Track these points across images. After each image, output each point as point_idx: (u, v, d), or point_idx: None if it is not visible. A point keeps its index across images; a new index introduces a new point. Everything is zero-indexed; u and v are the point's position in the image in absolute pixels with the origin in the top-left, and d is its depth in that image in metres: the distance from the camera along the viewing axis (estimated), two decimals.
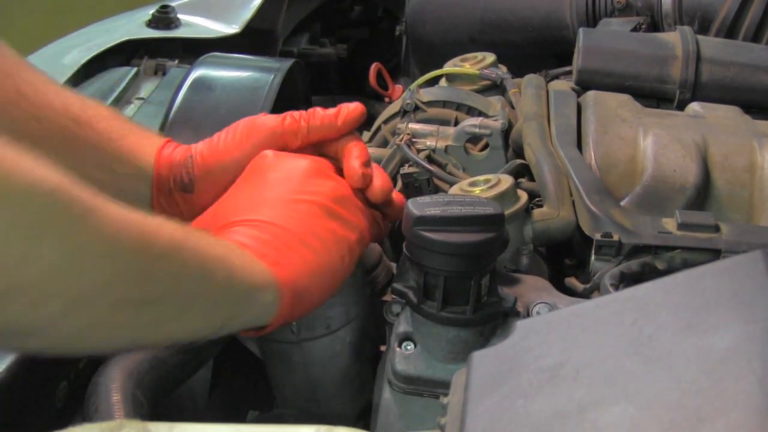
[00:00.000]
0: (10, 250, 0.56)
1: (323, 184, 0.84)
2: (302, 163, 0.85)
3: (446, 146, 1.10)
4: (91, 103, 0.90)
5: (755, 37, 1.32)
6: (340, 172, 0.88)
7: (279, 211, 0.80)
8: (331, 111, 0.89)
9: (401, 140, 1.10)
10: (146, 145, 0.90)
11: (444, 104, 1.19)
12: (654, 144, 1.02)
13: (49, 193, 0.58)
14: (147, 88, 1.41)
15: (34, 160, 0.58)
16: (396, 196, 0.92)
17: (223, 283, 0.73)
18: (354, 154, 0.88)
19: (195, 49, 1.44)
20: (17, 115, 0.85)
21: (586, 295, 0.91)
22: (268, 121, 0.89)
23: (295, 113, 0.89)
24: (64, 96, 0.88)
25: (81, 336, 0.65)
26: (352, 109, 0.89)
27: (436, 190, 1.06)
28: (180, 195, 0.89)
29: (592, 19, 1.51)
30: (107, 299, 0.63)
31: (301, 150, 0.89)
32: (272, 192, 0.82)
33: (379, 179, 0.89)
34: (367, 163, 0.88)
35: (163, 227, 0.68)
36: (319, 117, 0.89)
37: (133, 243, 0.64)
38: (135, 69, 1.45)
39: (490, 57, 1.28)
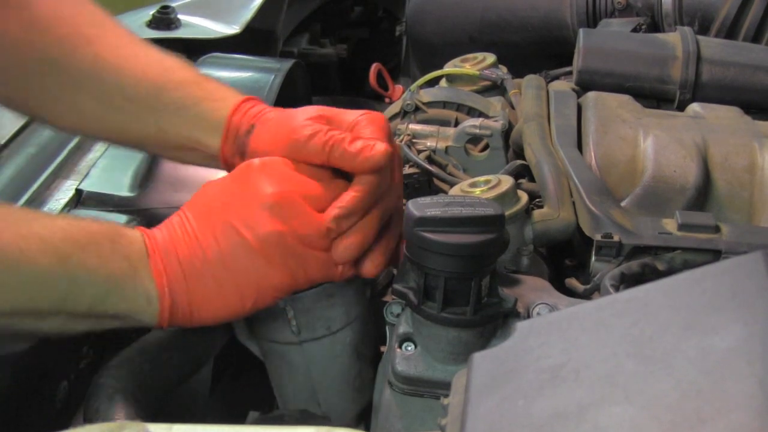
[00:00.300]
0: None
1: (284, 224, 0.79)
2: (269, 191, 0.80)
3: (446, 147, 1.10)
4: (169, 65, 0.93)
5: (755, 38, 1.32)
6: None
7: (220, 230, 0.80)
8: (357, 146, 0.83)
9: (402, 141, 1.10)
10: (219, 108, 0.90)
11: (444, 105, 1.19)
12: (654, 144, 1.02)
13: None
14: None
15: None
16: (376, 259, 0.85)
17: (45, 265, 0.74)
18: (340, 201, 0.82)
19: (195, 50, 1.44)
20: (100, 85, 0.91)
21: (586, 295, 0.91)
22: (305, 129, 0.84)
23: (322, 133, 0.84)
24: (145, 59, 0.92)
25: None
26: (373, 152, 0.83)
27: (437, 190, 1.06)
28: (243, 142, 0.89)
29: (592, 20, 1.51)
30: None
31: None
32: (225, 198, 0.81)
33: (354, 239, 0.82)
34: (345, 215, 0.81)
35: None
36: (341, 147, 0.83)
37: None
38: None
39: (491, 57, 1.28)
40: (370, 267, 0.85)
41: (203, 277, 0.79)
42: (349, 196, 0.82)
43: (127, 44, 0.93)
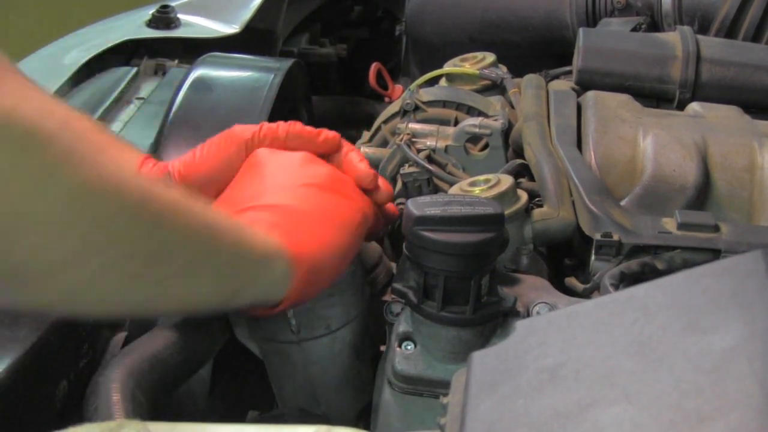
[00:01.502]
0: (18, 187, 0.57)
1: (321, 169, 0.86)
2: (295, 154, 0.86)
3: (446, 146, 1.10)
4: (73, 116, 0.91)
5: (755, 37, 1.32)
6: None
7: (283, 195, 0.82)
8: (311, 128, 0.90)
9: (401, 140, 1.10)
10: (125, 159, 0.90)
11: (444, 104, 1.19)
12: (654, 144, 1.02)
13: (49, 135, 0.59)
14: (147, 88, 1.41)
15: (41, 98, 0.59)
16: (390, 206, 0.93)
17: (231, 248, 0.73)
18: (357, 159, 0.89)
19: (195, 49, 1.44)
20: None
21: (586, 295, 0.91)
22: (245, 130, 0.89)
23: (273, 124, 0.90)
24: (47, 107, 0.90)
25: (89, 289, 0.65)
26: (332, 134, 0.90)
27: (436, 189, 1.06)
28: None
29: (592, 19, 1.51)
30: (114, 250, 0.64)
31: None
32: (273, 180, 0.83)
33: (383, 183, 0.90)
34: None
35: (170, 190, 0.69)
36: (298, 127, 0.90)
37: (139, 196, 0.65)
38: (135, 69, 1.45)
39: (490, 57, 1.28)
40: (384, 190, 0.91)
41: (325, 259, 0.80)
42: (357, 155, 0.90)
43: None
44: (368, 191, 0.89)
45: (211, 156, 0.87)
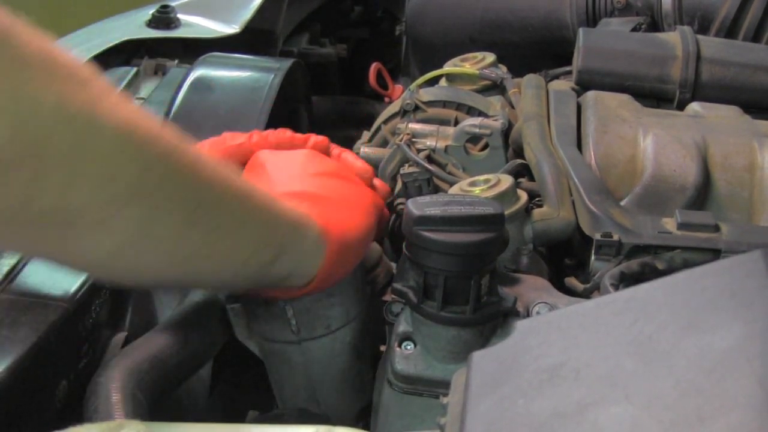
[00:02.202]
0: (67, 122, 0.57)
1: (327, 161, 0.89)
2: (298, 151, 0.89)
3: (446, 146, 1.10)
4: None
5: (755, 37, 1.32)
6: None
7: (298, 183, 0.84)
8: (300, 134, 0.93)
9: (401, 140, 1.10)
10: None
11: (444, 104, 1.19)
12: (654, 144, 1.02)
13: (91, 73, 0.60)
14: (147, 88, 1.41)
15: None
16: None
17: (268, 208, 0.74)
18: (352, 158, 0.93)
19: (195, 49, 1.44)
20: None
21: (586, 295, 0.91)
22: (236, 137, 0.91)
23: (263, 132, 0.92)
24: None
25: (137, 241, 0.65)
26: (320, 138, 0.93)
27: (436, 189, 1.06)
28: None
29: (592, 19, 1.51)
30: (161, 194, 0.64)
31: None
32: (281, 174, 0.85)
33: (380, 182, 0.94)
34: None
35: (204, 156, 0.69)
36: (288, 134, 0.92)
37: (178, 143, 0.65)
38: (135, 69, 1.45)
39: (490, 57, 1.28)
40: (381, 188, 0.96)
41: (350, 248, 0.82)
42: (351, 155, 0.94)
43: None
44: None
45: None
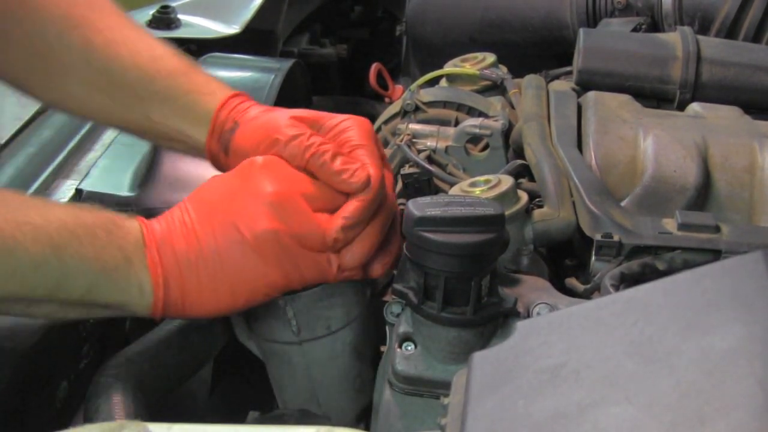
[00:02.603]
0: None
1: (282, 217, 0.80)
2: (269, 189, 0.80)
3: (446, 147, 1.10)
4: (160, 53, 0.93)
5: (755, 37, 1.32)
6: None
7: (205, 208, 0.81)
8: (337, 164, 0.83)
9: (401, 141, 1.10)
10: (207, 102, 0.91)
11: (444, 104, 1.19)
12: (654, 144, 1.02)
13: None
14: None
15: None
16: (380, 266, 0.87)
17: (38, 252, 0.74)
18: (344, 211, 0.82)
19: (195, 50, 1.44)
20: (87, 68, 0.91)
21: (586, 295, 0.91)
22: (287, 129, 0.85)
23: (304, 137, 0.84)
24: (135, 46, 0.92)
25: None
26: (353, 179, 0.82)
27: (437, 190, 1.06)
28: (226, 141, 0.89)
29: (592, 20, 1.51)
30: None
31: None
32: (225, 194, 0.82)
33: (361, 248, 0.83)
34: (351, 226, 0.82)
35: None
36: (320, 161, 0.83)
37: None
38: None
39: (491, 57, 1.28)
40: (378, 269, 0.87)
41: (198, 270, 0.79)
42: (353, 206, 0.82)
43: (119, 29, 0.93)
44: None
45: (264, 123, 0.88)
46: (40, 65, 0.93)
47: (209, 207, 0.81)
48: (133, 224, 0.80)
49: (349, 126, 0.87)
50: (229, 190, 0.82)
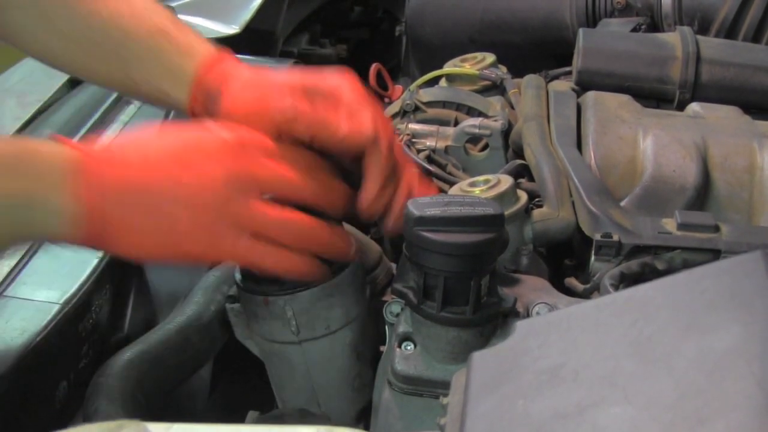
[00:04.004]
0: None
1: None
2: (227, 136, 0.78)
3: (446, 146, 1.10)
4: (140, 11, 0.92)
5: (755, 38, 1.32)
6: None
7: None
8: (343, 131, 0.83)
9: (401, 140, 1.10)
10: (186, 63, 0.89)
11: (444, 104, 1.19)
12: (654, 144, 1.02)
13: None
14: None
15: None
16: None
17: None
18: (373, 174, 0.83)
19: None
20: (69, 25, 0.91)
21: (585, 295, 0.91)
22: (288, 108, 0.83)
23: (302, 108, 0.83)
24: (115, 4, 0.92)
25: None
26: (361, 134, 0.83)
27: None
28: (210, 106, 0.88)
29: (592, 20, 1.51)
30: None
31: None
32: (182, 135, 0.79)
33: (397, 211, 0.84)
34: (386, 183, 0.84)
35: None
36: (326, 134, 0.83)
37: None
38: None
39: (490, 57, 1.28)
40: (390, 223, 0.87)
41: (126, 205, 0.75)
42: (377, 167, 0.84)
43: None
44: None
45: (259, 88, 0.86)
46: (23, 20, 0.93)
47: (157, 142, 0.79)
48: (53, 149, 0.75)
49: (344, 90, 0.86)
50: (184, 137, 0.79)
